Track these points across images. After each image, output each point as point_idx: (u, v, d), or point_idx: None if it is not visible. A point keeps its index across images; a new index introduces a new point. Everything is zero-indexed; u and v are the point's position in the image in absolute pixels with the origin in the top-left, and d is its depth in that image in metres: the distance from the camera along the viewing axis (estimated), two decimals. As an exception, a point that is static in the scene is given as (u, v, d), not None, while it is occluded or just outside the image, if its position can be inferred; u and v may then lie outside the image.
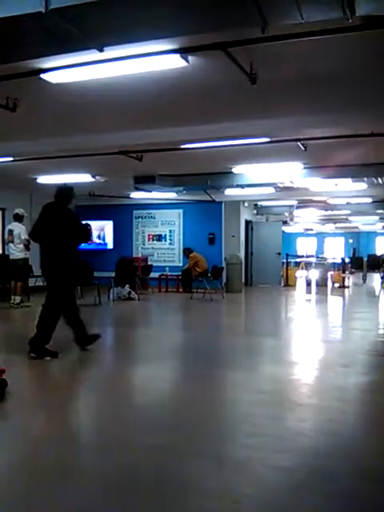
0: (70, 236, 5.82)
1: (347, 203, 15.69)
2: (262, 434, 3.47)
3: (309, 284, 15.85)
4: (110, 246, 15.61)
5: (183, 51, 4.21)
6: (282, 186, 11.74)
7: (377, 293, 15.75)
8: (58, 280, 5.77)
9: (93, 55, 4.18)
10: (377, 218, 21.58)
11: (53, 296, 5.82)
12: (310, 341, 7.34)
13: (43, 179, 11.00)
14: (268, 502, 2.53)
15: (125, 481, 2.71)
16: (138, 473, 2.83)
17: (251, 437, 3.41)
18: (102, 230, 15.59)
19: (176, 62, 4.33)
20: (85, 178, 10.71)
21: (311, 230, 30.16)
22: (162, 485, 2.68)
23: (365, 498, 2.56)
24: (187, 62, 4.34)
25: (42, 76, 4.63)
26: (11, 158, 8.38)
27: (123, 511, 2.39)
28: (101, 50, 3.99)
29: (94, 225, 15.48)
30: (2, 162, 8.50)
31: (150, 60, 4.27)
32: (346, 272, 17.19)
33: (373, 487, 2.68)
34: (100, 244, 15.56)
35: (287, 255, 17.02)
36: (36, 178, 10.94)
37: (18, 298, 10.16)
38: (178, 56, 4.22)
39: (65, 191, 6.06)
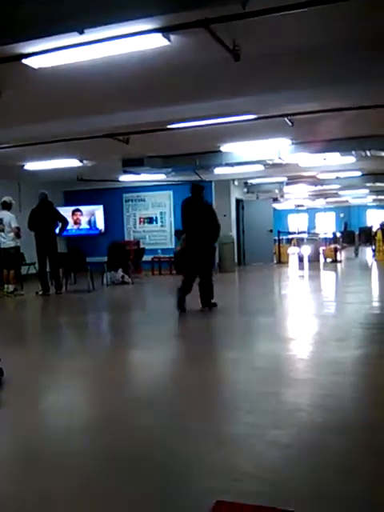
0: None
1: (337, 177, 15.69)
2: (259, 410, 3.51)
3: (301, 260, 15.93)
4: (100, 230, 15.54)
5: (165, 30, 4.15)
6: (270, 162, 11.71)
7: (369, 266, 15.84)
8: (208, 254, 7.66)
9: (74, 38, 4.12)
10: (367, 191, 21.60)
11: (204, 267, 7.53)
12: (304, 316, 7.40)
13: (30, 166, 10.91)
14: (268, 478, 2.55)
15: (123, 461, 2.75)
16: (137, 453, 2.86)
17: (249, 414, 3.45)
18: (93, 215, 15.52)
19: (158, 42, 4.29)
20: (72, 162, 10.64)
21: (302, 206, 30.19)
22: (160, 464, 2.71)
23: (364, 472, 2.59)
24: (169, 40, 4.29)
25: (24, 61, 4.57)
26: (-4, 146, 8.30)
27: (122, 491, 2.41)
28: (81, 33, 3.95)
29: (85, 210, 15.48)
30: (-12, 150, 8.41)
31: (132, 40, 4.21)
32: (338, 246, 17.26)
33: (372, 461, 2.70)
34: (90, 229, 15.50)
35: (279, 232, 17.05)
36: (23, 165, 10.86)
37: (11, 287, 10.16)
38: (159, 35, 4.17)
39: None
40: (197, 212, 7.55)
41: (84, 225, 15.54)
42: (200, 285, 7.52)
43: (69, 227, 11.59)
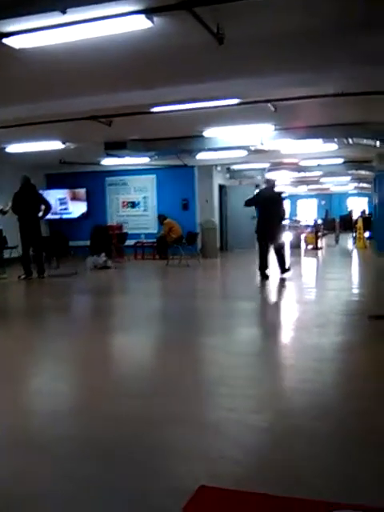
0: None
1: (318, 165, 15.77)
2: (239, 395, 3.54)
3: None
4: (77, 214, 15.46)
5: (148, 12, 4.12)
6: (253, 148, 11.72)
7: (349, 253, 16.00)
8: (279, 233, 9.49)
9: (56, 18, 4.08)
10: (348, 178, 21.74)
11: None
12: (285, 303, 7.48)
13: (12, 148, 10.78)
14: (248, 462, 2.58)
15: (103, 448, 2.75)
16: (117, 439, 2.86)
17: (228, 398, 3.48)
18: (75, 198, 15.43)
19: (141, 23, 4.25)
20: (55, 145, 10.53)
21: (284, 192, 30.26)
22: (141, 451, 2.71)
23: (343, 457, 2.62)
24: (153, 22, 4.26)
25: (4, 41, 4.50)
26: (-23, 128, 8.19)
27: (102, 478, 2.41)
28: (63, 12, 3.91)
29: (68, 193, 15.38)
30: (-32, 131, 8.29)
31: (115, 22, 4.17)
32: (319, 233, 17.39)
33: (350, 446, 2.73)
34: (64, 210, 15.37)
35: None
36: (5, 148, 10.72)
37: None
38: (142, 17, 4.14)
39: None
40: (270, 200, 9.26)
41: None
42: (277, 256, 9.35)
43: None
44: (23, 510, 2.19)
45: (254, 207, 16.06)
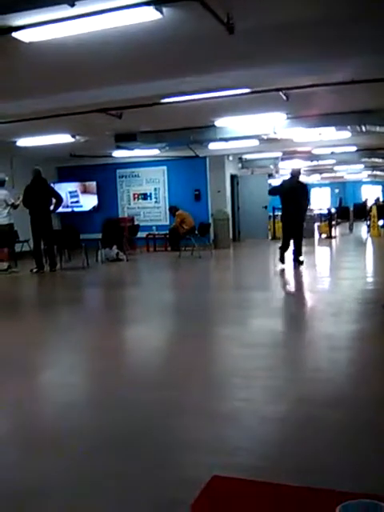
0: None
1: (332, 153, 15.61)
2: (253, 386, 3.53)
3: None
4: (88, 207, 15.46)
5: (157, 3, 4.07)
6: (265, 137, 11.62)
7: (363, 241, 15.88)
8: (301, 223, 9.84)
9: (65, 11, 4.05)
10: (362, 166, 21.52)
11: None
12: (298, 292, 7.44)
13: (23, 142, 10.80)
14: (262, 453, 2.57)
15: (118, 438, 2.75)
16: (132, 430, 2.86)
17: (243, 389, 3.47)
18: (86, 191, 15.44)
19: (151, 15, 4.20)
20: (65, 138, 10.52)
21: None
22: (156, 441, 2.71)
23: (359, 447, 2.60)
24: (162, 13, 4.20)
25: (14, 35, 4.48)
26: (-12, 122, 8.20)
27: (117, 469, 2.42)
28: (72, 5, 3.88)
29: (78, 187, 15.40)
30: (-21, 126, 8.31)
31: (124, 13, 4.13)
32: (333, 222, 17.25)
33: (365, 436, 2.72)
34: (75, 203, 15.38)
35: (274, 208, 17.00)
36: (15, 142, 10.74)
37: (4, 264, 10.13)
38: (152, 8, 4.08)
39: None
40: (294, 190, 9.51)
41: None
42: (294, 245, 9.69)
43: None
44: (35, 501, 2.19)
45: (269, 197, 16.14)
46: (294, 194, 9.49)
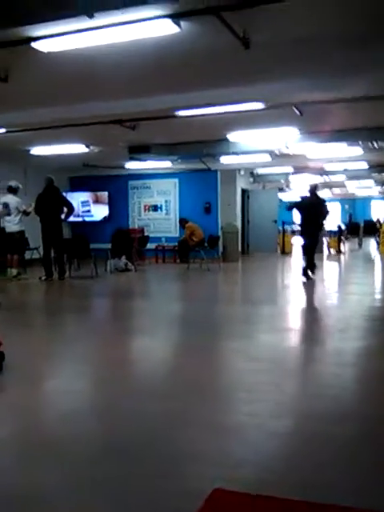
0: None
1: (344, 169, 15.62)
2: (259, 400, 3.51)
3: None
4: (99, 217, 15.55)
5: (175, 16, 4.12)
6: (277, 152, 11.66)
7: (372, 257, 15.81)
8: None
9: (83, 23, 4.11)
10: (372, 182, 21.49)
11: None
12: (306, 307, 7.41)
13: (37, 150, 10.90)
14: (267, 467, 2.56)
15: (122, 450, 2.74)
16: (136, 442, 2.85)
17: (249, 403, 3.45)
18: (97, 201, 15.53)
19: (168, 28, 4.25)
20: (79, 148, 10.61)
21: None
22: (160, 453, 2.70)
23: (364, 462, 2.59)
24: (180, 27, 4.26)
25: (33, 45, 4.55)
26: (4, 130, 8.30)
27: (120, 480, 2.41)
28: (91, 17, 3.93)
29: (90, 196, 15.50)
30: (-5, 134, 8.41)
31: (142, 26, 4.19)
32: (342, 238, 17.21)
33: (372, 451, 2.70)
34: (86, 213, 15.49)
35: (283, 223, 17.02)
36: (29, 150, 10.85)
37: (14, 271, 10.19)
38: (170, 21, 4.14)
39: None
40: (312, 205, 9.84)
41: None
42: (307, 259, 9.87)
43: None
44: (37, 509, 2.20)
45: (275, 211, 16.22)
46: (312, 209, 9.76)
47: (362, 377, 4.14)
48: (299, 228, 10.47)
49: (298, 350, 5.00)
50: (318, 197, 10.22)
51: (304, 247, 10.04)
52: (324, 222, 10.22)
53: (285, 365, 4.44)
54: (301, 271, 9.94)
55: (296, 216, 11.41)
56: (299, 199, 10.75)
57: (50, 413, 3.43)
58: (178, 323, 6.60)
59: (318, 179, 18.68)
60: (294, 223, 21.57)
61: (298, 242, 18.64)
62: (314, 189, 10.21)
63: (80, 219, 15.16)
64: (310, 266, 9.84)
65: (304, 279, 9.71)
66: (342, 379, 3.97)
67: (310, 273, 9.77)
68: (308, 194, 10.21)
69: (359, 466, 2.55)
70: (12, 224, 10.14)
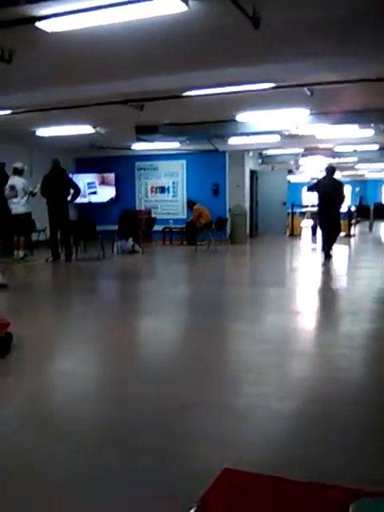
0: None
1: (354, 151, 15.40)
2: (266, 382, 3.49)
3: (314, 233, 15.77)
4: (106, 198, 15.46)
5: (183, -6, 4.00)
6: (287, 133, 11.49)
7: (382, 241, 15.68)
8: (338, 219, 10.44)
9: (89, 1, 3.99)
10: None
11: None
12: (315, 290, 7.35)
13: (42, 132, 10.79)
14: (272, 449, 2.55)
15: (128, 431, 2.73)
16: (142, 423, 2.85)
17: (255, 385, 3.43)
18: (104, 183, 15.43)
19: (176, 6, 4.13)
20: (85, 129, 10.49)
21: (316, 178, 29.80)
22: (166, 435, 2.70)
23: (370, 446, 2.57)
24: (188, 5, 4.13)
25: (37, 24, 4.44)
26: (9, 112, 8.19)
27: (128, 462, 2.40)
28: (97, -5, 3.82)
29: (96, 178, 15.41)
30: (0, 115, 8.31)
31: (149, 5, 4.06)
32: (352, 221, 17.05)
33: (379, 435, 2.69)
34: (93, 194, 15.38)
35: (292, 205, 16.87)
36: (35, 131, 10.74)
37: (21, 253, 10.18)
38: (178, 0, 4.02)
39: None
40: (329, 187, 9.95)
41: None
42: (328, 240, 10.18)
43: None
44: (44, 494, 2.18)
45: (284, 193, 16.09)
46: (330, 190, 9.89)
47: (372, 359, 4.11)
48: (317, 208, 10.75)
49: (307, 332, 4.96)
50: (334, 179, 10.33)
51: (322, 227, 10.26)
52: (341, 203, 10.32)
53: (293, 347, 4.41)
54: (321, 250, 10.26)
55: (314, 197, 11.56)
56: (317, 181, 10.96)
57: (57, 394, 3.44)
58: (186, 305, 6.57)
59: (328, 161, 18.49)
60: (305, 206, 21.48)
61: (308, 224, 18.64)
62: (330, 170, 10.32)
63: (86, 201, 15.09)
64: (330, 244, 10.11)
65: (323, 258, 10.00)
66: (352, 362, 3.94)
67: (331, 253, 10.12)
68: (325, 175, 10.36)
69: (367, 450, 2.53)
70: (19, 206, 10.09)
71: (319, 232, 10.80)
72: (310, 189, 10.86)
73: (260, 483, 2.13)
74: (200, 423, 2.86)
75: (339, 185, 10.28)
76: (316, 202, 10.68)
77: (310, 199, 27.80)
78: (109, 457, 2.47)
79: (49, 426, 2.86)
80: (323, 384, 3.46)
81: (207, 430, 2.77)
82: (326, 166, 10.94)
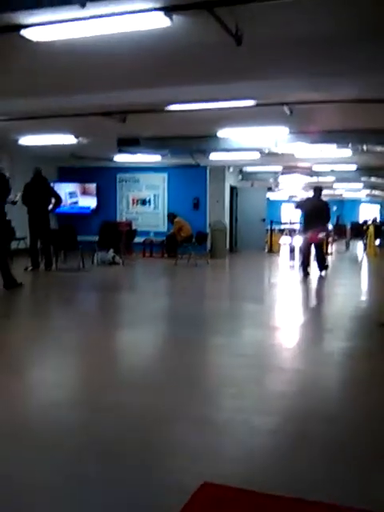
0: None
1: (332, 170, 15.65)
2: (244, 396, 3.52)
3: (292, 251, 15.91)
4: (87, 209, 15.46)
5: (168, 9, 4.09)
6: (267, 151, 11.65)
7: (359, 259, 15.89)
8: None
9: (75, 12, 4.05)
10: (361, 185, 21.57)
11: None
12: (292, 306, 7.43)
13: (25, 140, 10.78)
14: (251, 463, 2.57)
15: (107, 445, 2.73)
16: (120, 435, 2.85)
17: (234, 399, 3.46)
18: (85, 193, 15.41)
19: (160, 21, 4.21)
20: (68, 139, 10.51)
21: (295, 196, 30.13)
22: (145, 449, 2.70)
23: (347, 461, 2.61)
24: (171, 20, 4.22)
25: (22, 32, 4.48)
26: (-8, 118, 8.20)
27: (106, 475, 2.40)
28: (83, 6, 3.88)
29: (78, 187, 15.38)
30: (-18, 122, 8.30)
31: (134, 18, 4.14)
32: (329, 239, 17.24)
33: (355, 451, 2.73)
34: (82, 207, 15.40)
35: (271, 222, 17.03)
36: (17, 140, 10.73)
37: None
38: (161, 14, 4.10)
39: None
40: (315, 206, 10.35)
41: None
42: (317, 256, 10.55)
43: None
44: (22, 504, 2.17)
45: (264, 209, 16.26)
46: (315, 210, 10.28)
47: (350, 377, 4.17)
48: (302, 226, 11.17)
49: (284, 348, 5.02)
50: (320, 199, 10.71)
51: (305, 245, 10.60)
52: (326, 223, 10.82)
53: (271, 362, 4.46)
54: (300, 267, 10.58)
55: (295, 215, 12.29)
56: (304, 199, 11.53)
57: (32, 404, 3.42)
58: (166, 319, 6.59)
59: (306, 180, 18.76)
60: (284, 223, 21.68)
61: (286, 241, 18.82)
62: (317, 190, 10.75)
63: (67, 210, 15.04)
64: (322, 262, 10.54)
65: (302, 275, 10.25)
66: (327, 379, 4.01)
67: (325, 264, 10.62)
68: (313, 196, 10.80)
69: (345, 464, 2.57)
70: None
71: (302, 248, 11.06)
72: (297, 207, 11.25)
73: (239, 498, 2.15)
74: (179, 436, 2.87)
75: (325, 205, 10.68)
76: (301, 219, 11.13)
77: (289, 216, 28.14)
78: (82, 469, 2.47)
79: (24, 435, 2.84)
80: (300, 399, 3.52)
81: (186, 442, 2.78)
82: (314, 186, 11.37)
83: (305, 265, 10.42)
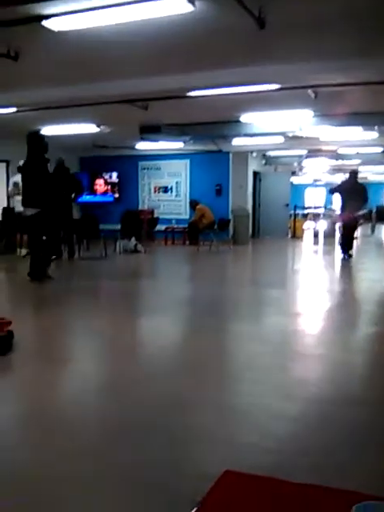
0: None
1: (357, 153, 15.39)
2: (266, 382, 3.50)
3: (316, 235, 15.77)
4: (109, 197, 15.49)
5: (190, -6, 4.02)
6: (291, 135, 11.50)
7: (384, 244, 15.70)
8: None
9: (96, 1, 4.01)
10: (387, 167, 21.22)
11: None
12: (316, 292, 7.35)
13: (47, 130, 10.80)
14: (272, 448, 2.55)
15: (129, 430, 2.74)
16: (143, 422, 2.85)
17: (255, 385, 3.44)
18: (107, 182, 15.45)
19: (183, 7, 4.15)
20: (89, 128, 10.52)
21: (320, 180, 29.78)
22: (166, 433, 2.70)
23: (372, 446, 2.58)
24: (194, 6, 4.15)
25: (44, 23, 4.46)
26: (14, 109, 8.22)
27: (128, 460, 2.41)
28: (104, -6, 3.84)
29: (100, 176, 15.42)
30: (5, 113, 8.34)
31: (157, 4, 4.08)
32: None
33: (378, 435, 2.69)
34: (104, 196, 15.45)
35: (295, 206, 16.87)
36: (40, 130, 10.75)
37: (24, 251, 10.20)
38: (184, 0, 4.03)
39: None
40: (352, 189, 10.56)
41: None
42: (347, 239, 10.89)
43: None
44: (46, 491, 2.18)
45: (287, 194, 16.12)
46: (354, 192, 10.47)
47: (372, 363, 4.11)
48: (339, 211, 11.31)
49: (307, 334, 4.96)
50: (357, 182, 10.86)
51: (344, 228, 10.98)
52: (362, 206, 10.85)
53: (293, 348, 4.42)
54: (340, 249, 10.85)
55: (336, 200, 12.47)
56: (339, 183, 11.59)
57: (59, 393, 3.43)
58: (188, 305, 6.56)
59: (331, 163, 18.50)
60: (308, 207, 21.49)
61: (309, 226, 18.66)
62: (353, 174, 10.92)
63: (90, 199, 15.11)
64: (349, 244, 10.75)
65: (343, 256, 10.64)
66: (351, 364, 3.95)
67: (350, 251, 10.73)
68: (348, 178, 10.99)
69: (368, 451, 2.53)
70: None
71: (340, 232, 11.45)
72: (333, 191, 11.26)
73: (261, 485, 2.13)
74: (201, 423, 2.85)
75: (363, 187, 10.79)
76: (339, 203, 11.19)
77: (313, 201, 27.83)
78: (110, 457, 2.47)
79: (47, 424, 2.85)
80: (322, 385, 3.47)
81: (208, 429, 2.76)
82: (351, 170, 11.61)
83: (347, 247, 10.67)
